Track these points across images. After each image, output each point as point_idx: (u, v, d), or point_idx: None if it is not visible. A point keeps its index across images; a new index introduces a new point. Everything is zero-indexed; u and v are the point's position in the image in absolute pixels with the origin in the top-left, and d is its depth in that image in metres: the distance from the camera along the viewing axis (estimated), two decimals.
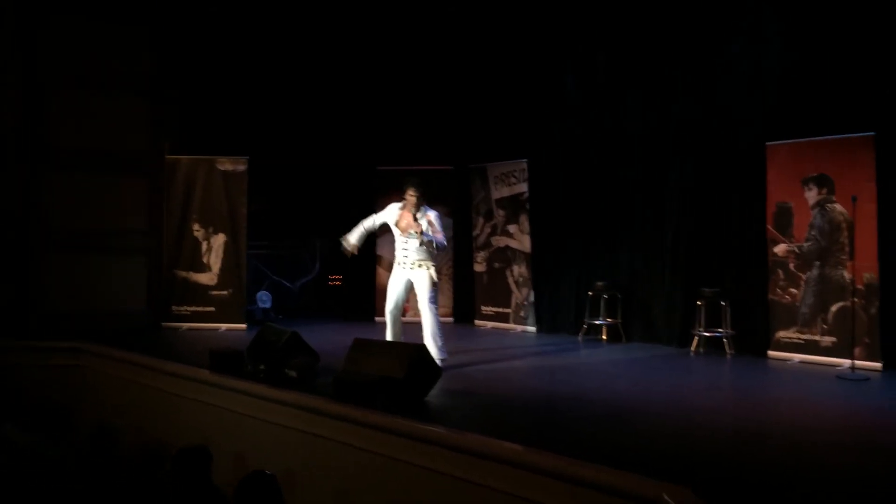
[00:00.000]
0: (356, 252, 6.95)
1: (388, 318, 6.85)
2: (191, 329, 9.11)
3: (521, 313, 9.59)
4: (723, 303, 7.68)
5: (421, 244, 6.68)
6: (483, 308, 10.08)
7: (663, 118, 8.35)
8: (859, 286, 6.78)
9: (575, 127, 9.12)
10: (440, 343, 6.65)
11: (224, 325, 9.20)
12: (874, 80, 6.86)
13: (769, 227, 7.46)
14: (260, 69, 10.18)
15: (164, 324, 9.20)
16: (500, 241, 9.90)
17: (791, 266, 7.33)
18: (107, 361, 7.40)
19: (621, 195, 8.75)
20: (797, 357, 7.21)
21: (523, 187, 9.55)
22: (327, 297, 11.20)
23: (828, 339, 7.05)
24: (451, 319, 10.14)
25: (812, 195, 7.22)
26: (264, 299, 10.23)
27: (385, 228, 7.20)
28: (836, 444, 4.63)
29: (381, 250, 10.10)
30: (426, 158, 10.18)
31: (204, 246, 9.38)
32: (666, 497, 3.47)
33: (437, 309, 6.78)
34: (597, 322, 8.76)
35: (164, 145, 9.57)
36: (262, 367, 6.27)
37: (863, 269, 6.79)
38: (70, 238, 9.13)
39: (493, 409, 5.51)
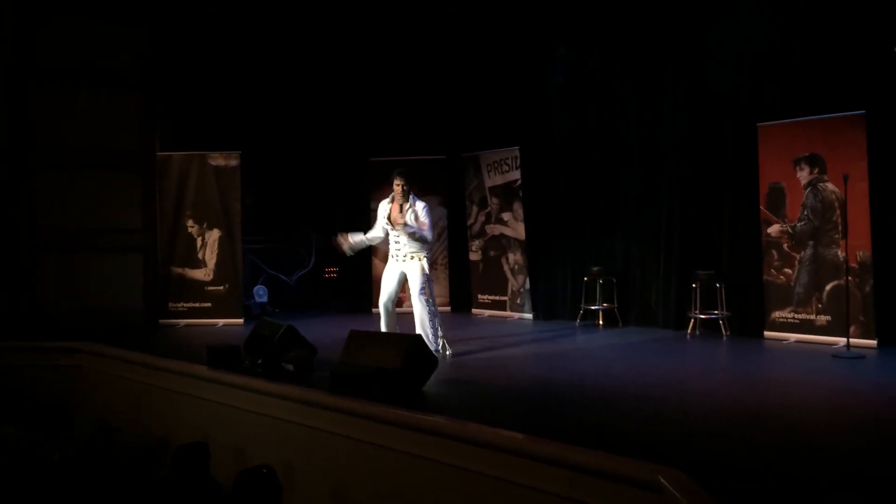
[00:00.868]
0: (349, 252, 6.93)
1: (381, 309, 6.86)
2: (188, 325, 9.12)
3: (518, 301, 9.60)
4: (718, 285, 7.70)
5: (410, 236, 6.66)
6: (480, 296, 10.10)
7: (654, 102, 8.35)
8: (853, 264, 6.80)
9: (567, 113, 9.12)
10: (431, 334, 6.66)
11: (221, 321, 9.21)
12: (864, 57, 6.85)
13: (762, 207, 7.47)
14: (251, 63, 10.14)
15: (160, 321, 9.21)
16: (494, 230, 9.90)
17: (785, 246, 7.34)
18: (104, 360, 7.40)
19: (614, 180, 8.76)
20: (793, 337, 7.23)
21: (516, 175, 9.55)
22: (324, 290, 11.21)
23: (823, 318, 7.08)
24: (448, 308, 10.15)
25: (804, 175, 7.22)
26: (261, 293, 10.23)
27: None
28: (830, 424, 4.65)
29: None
30: (419, 149, 10.17)
31: (199, 242, 9.37)
32: (662, 480, 3.49)
33: (429, 300, 6.78)
34: (593, 307, 8.78)
35: (156, 142, 9.55)
36: (259, 361, 6.29)
37: (856, 247, 6.81)
38: (64, 237, 9.14)
39: (489, 398, 5.53)
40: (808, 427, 4.59)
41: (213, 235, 9.36)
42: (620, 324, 8.68)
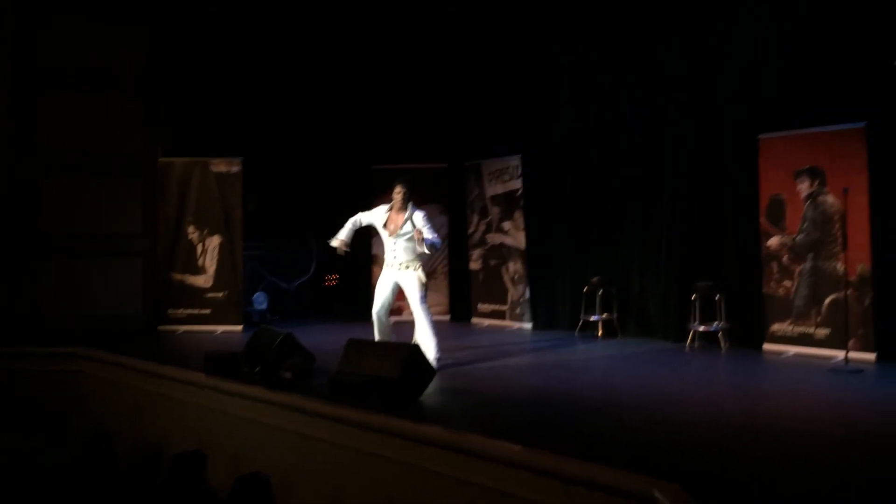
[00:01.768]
0: (347, 248, 6.93)
1: (374, 318, 6.87)
2: (187, 332, 9.12)
3: (517, 310, 9.60)
4: (717, 296, 7.70)
5: (429, 248, 6.62)
6: (479, 306, 10.09)
7: (656, 113, 8.35)
8: (852, 278, 6.79)
9: (568, 123, 9.13)
10: (434, 342, 6.65)
11: (220, 327, 9.21)
12: (864, 70, 6.86)
13: (762, 219, 7.47)
14: (253, 70, 10.18)
15: (160, 327, 9.21)
16: (494, 239, 9.91)
17: (784, 259, 7.34)
18: (103, 366, 7.41)
19: (615, 190, 8.76)
20: (792, 350, 7.22)
21: (517, 184, 9.56)
22: (324, 298, 11.21)
23: (822, 331, 7.07)
24: (447, 317, 10.15)
25: (804, 187, 7.22)
26: (261, 300, 10.23)
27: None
28: (827, 437, 4.64)
29: (377, 249, 10.05)
30: (421, 156, 10.19)
31: (199, 248, 9.38)
32: (657, 494, 3.49)
33: (428, 308, 6.79)
34: (592, 318, 8.77)
35: (158, 147, 9.57)
36: (257, 369, 6.29)
37: (856, 260, 6.80)
38: (65, 242, 9.14)
39: (487, 408, 5.53)
40: (804, 440, 4.58)
41: (214, 242, 9.38)
42: (619, 334, 8.67)
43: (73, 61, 9.24)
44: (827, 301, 7.04)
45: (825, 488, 3.79)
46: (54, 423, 6.88)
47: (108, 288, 9.20)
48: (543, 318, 9.36)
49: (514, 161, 9.57)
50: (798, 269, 7.24)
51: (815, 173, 7.15)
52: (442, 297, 10.23)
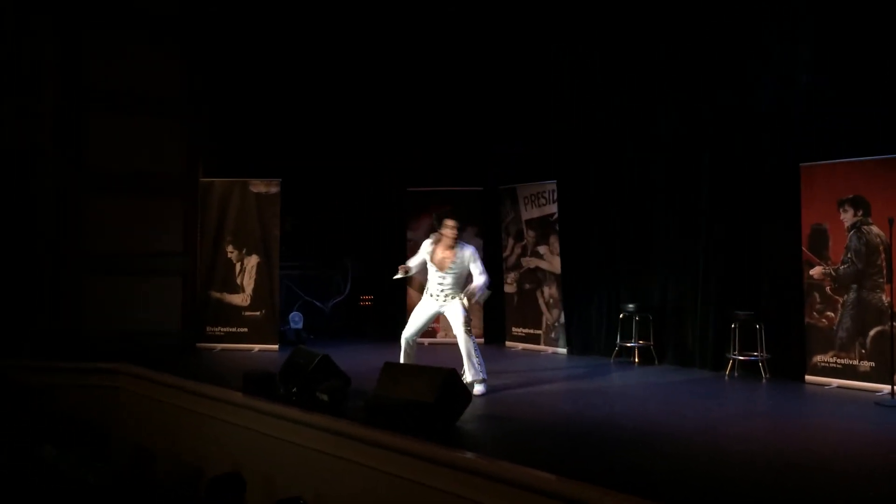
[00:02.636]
0: (408, 273, 7.06)
1: (403, 342, 6.90)
2: (224, 350, 9.22)
3: (552, 335, 9.55)
4: (757, 326, 7.58)
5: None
6: (514, 329, 10.06)
7: (695, 139, 8.28)
8: None
9: (605, 148, 9.10)
10: (479, 364, 6.70)
11: (257, 346, 9.30)
12: None
13: (804, 249, 7.36)
14: (292, 92, 10.35)
15: (198, 344, 9.33)
16: (530, 262, 9.89)
17: (827, 289, 7.21)
18: (143, 383, 7.50)
19: (652, 216, 8.69)
20: (835, 382, 7.08)
21: (553, 208, 9.55)
22: (358, 318, 11.27)
23: (866, 364, 6.92)
24: (482, 340, 10.11)
25: (848, 217, 7.11)
26: (296, 320, 10.31)
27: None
28: (869, 474, 4.53)
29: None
30: (456, 180, 10.23)
31: (237, 267, 9.51)
32: None
33: (471, 333, 6.86)
34: (629, 344, 8.69)
35: (199, 167, 9.75)
36: (293, 389, 6.33)
37: None
38: (107, 260, 9.33)
39: (522, 434, 5.49)
40: (846, 477, 4.47)
41: (252, 261, 9.49)
42: (657, 362, 8.57)
43: (118, 83, 9.49)
44: (871, 333, 6.89)
45: None
46: (95, 439, 6.97)
47: (149, 305, 9.36)
48: (578, 343, 9.30)
49: (551, 185, 9.56)
50: (841, 300, 7.11)
51: (858, 203, 7.04)
52: (476, 320, 10.20)
